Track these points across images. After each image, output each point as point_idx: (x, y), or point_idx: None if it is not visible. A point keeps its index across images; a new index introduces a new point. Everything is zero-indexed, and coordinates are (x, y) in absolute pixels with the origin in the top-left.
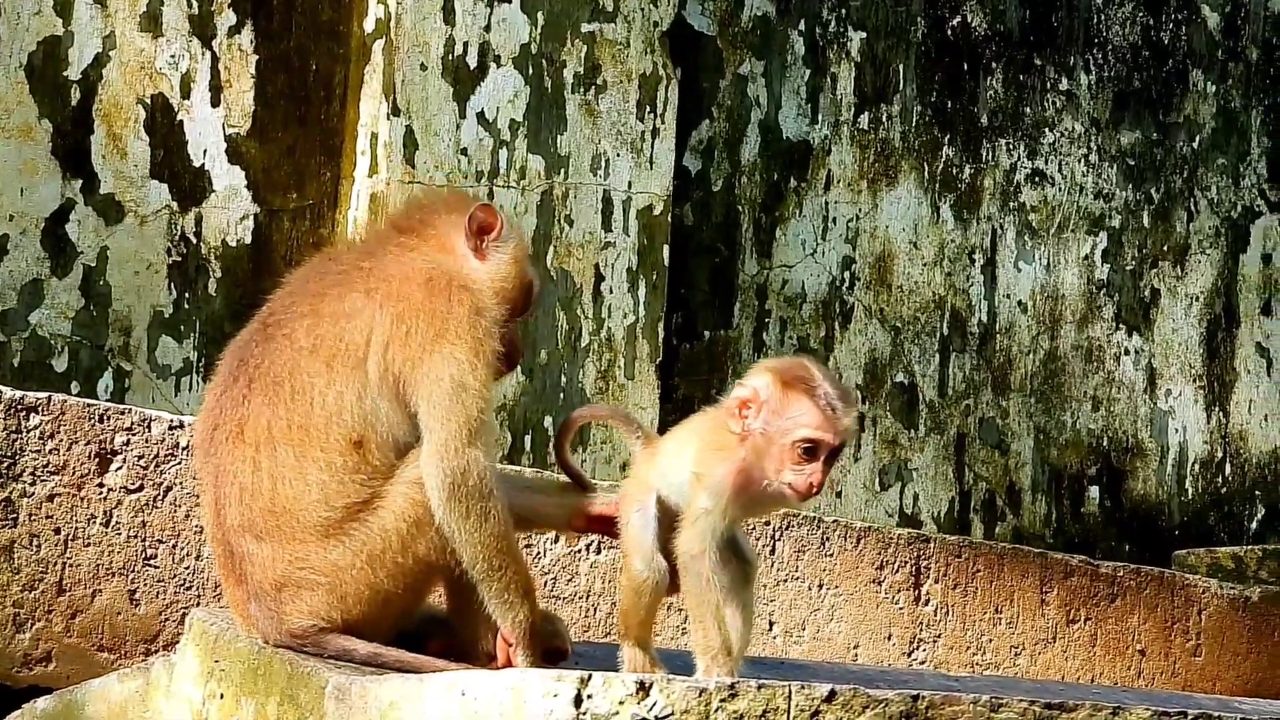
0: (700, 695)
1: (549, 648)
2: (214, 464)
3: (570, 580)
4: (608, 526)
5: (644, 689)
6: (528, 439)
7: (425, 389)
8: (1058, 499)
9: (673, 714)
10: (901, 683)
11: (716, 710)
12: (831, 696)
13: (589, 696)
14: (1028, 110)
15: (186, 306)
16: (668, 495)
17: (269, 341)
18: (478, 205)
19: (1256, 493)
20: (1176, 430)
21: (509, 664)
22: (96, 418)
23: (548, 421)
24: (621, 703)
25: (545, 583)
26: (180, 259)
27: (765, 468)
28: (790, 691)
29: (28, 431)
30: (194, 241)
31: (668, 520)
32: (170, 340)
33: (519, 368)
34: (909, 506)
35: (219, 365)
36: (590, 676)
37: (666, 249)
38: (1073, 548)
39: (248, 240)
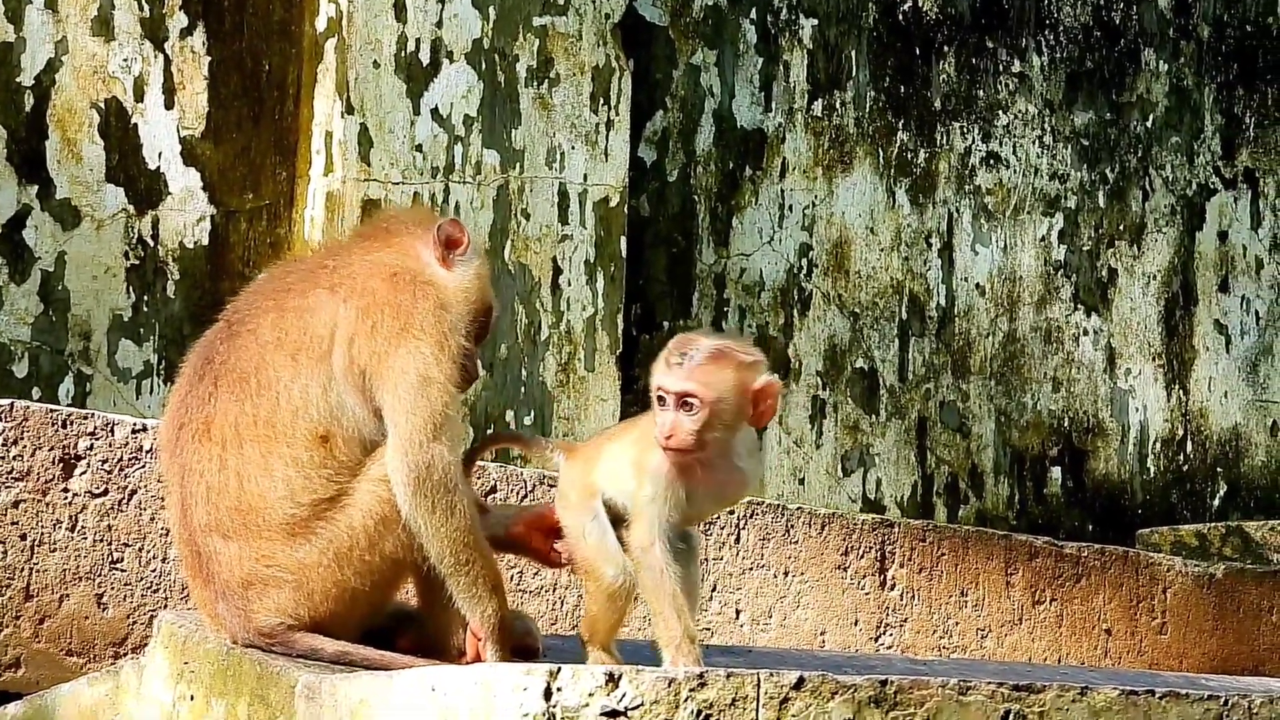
0: (669, 685)
1: (520, 645)
2: (180, 463)
3: (537, 573)
4: (546, 531)
5: (613, 680)
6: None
7: (390, 382)
8: (1020, 481)
9: (642, 704)
10: (869, 668)
11: (686, 699)
12: (800, 684)
13: (558, 689)
14: (981, 93)
15: (146, 309)
16: (614, 498)
17: (234, 339)
18: (446, 220)
19: (1218, 470)
20: (1137, 409)
21: (479, 659)
22: (59, 423)
23: (509, 416)
24: (591, 694)
25: (511, 576)
26: (138, 262)
27: None
28: (759, 679)
29: None
30: (151, 244)
31: (616, 523)
32: (130, 343)
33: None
34: (872, 491)
35: (183, 365)
36: (559, 669)
37: (624, 240)
38: (1036, 529)
39: (205, 242)
